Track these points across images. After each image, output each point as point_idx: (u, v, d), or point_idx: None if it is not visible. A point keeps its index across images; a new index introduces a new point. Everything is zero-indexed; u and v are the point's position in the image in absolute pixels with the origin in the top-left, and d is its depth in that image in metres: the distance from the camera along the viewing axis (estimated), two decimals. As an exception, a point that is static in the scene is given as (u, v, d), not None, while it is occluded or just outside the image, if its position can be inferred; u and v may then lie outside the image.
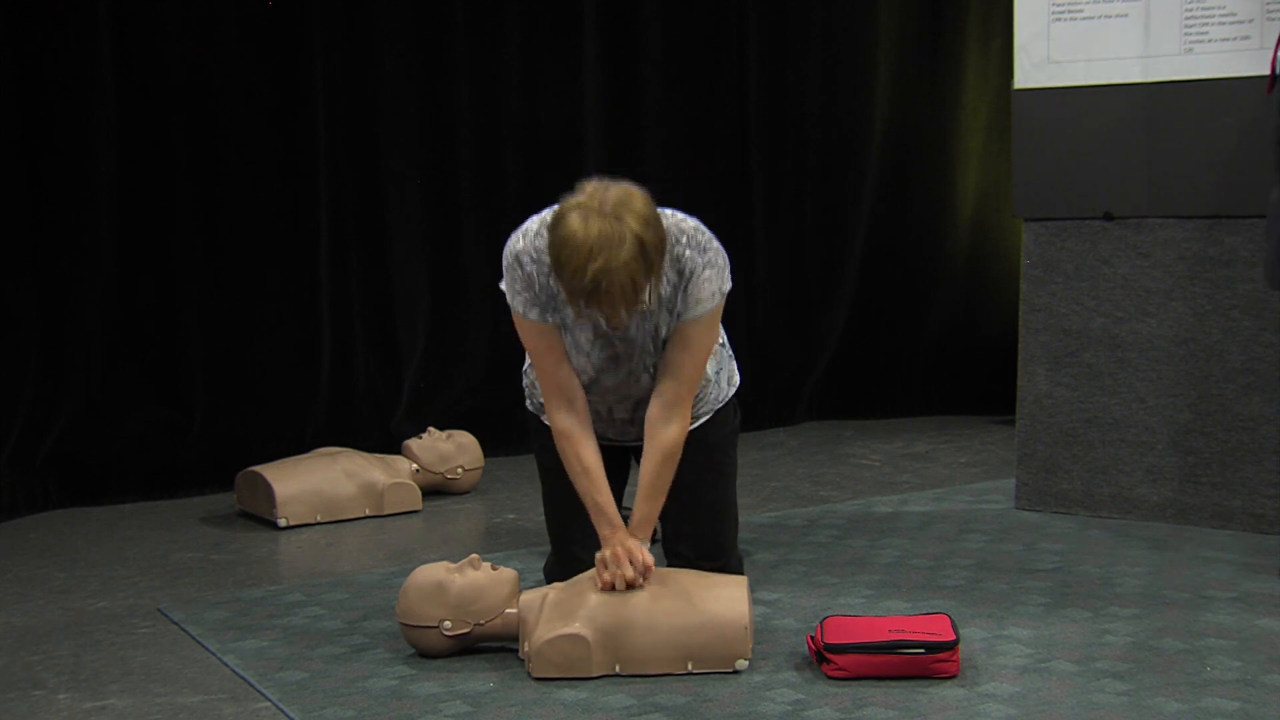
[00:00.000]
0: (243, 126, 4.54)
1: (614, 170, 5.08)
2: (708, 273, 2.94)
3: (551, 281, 2.92)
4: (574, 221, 2.71)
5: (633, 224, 2.70)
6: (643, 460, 3.01)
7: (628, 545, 2.88)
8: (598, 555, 2.89)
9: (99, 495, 4.41)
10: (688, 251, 2.93)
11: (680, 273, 2.93)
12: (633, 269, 2.70)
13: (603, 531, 2.94)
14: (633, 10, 5.15)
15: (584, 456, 2.99)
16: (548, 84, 5.03)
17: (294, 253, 4.67)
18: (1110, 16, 3.83)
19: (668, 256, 2.88)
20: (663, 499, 3.02)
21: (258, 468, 4.17)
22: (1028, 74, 3.94)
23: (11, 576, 3.65)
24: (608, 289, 2.69)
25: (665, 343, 3.00)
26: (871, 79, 5.52)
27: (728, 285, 2.99)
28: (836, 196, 5.57)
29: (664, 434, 2.98)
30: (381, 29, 4.74)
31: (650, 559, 2.87)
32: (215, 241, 4.56)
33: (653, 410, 3.00)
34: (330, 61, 4.66)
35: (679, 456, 3.01)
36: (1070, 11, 3.87)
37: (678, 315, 2.96)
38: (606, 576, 2.84)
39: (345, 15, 4.68)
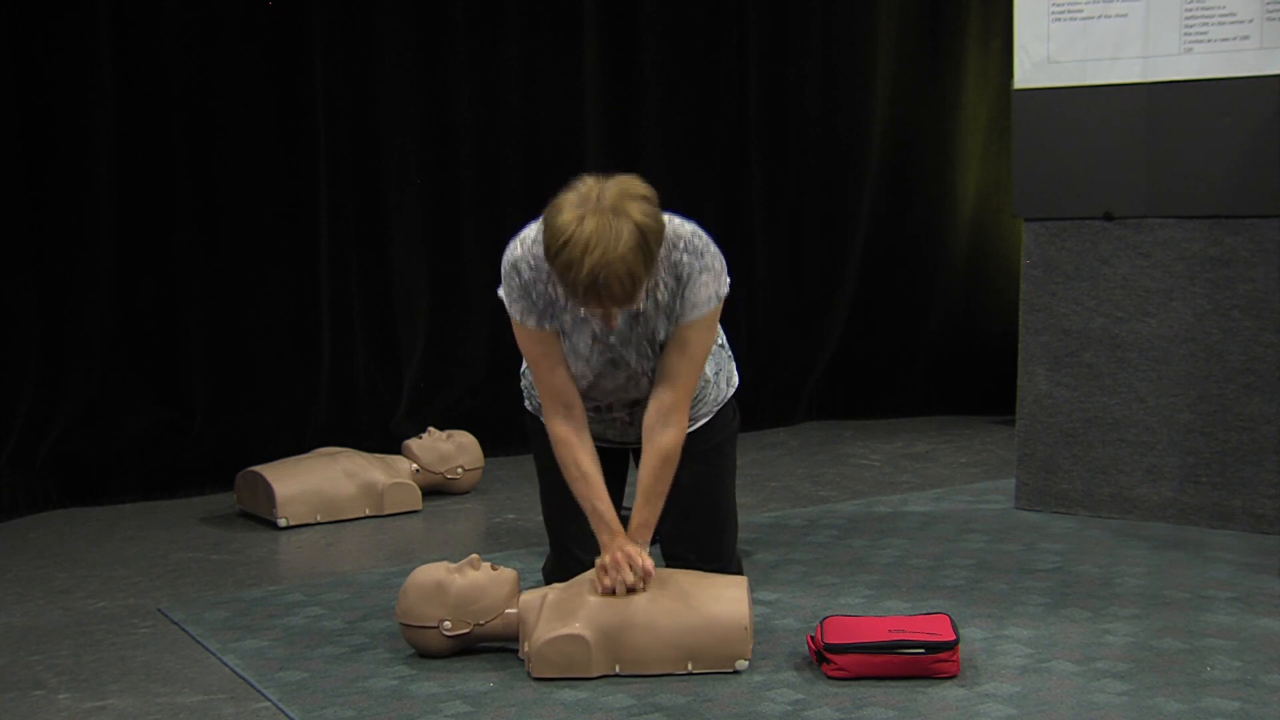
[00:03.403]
0: (243, 126, 4.54)
1: (614, 171, 5.14)
2: (704, 277, 2.94)
3: (549, 289, 2.92)
4: (569, 216, 2.70)
5: (633, 213, 2.70)
6: (641, 464, 3.00)
7: (627, 550, 2.86)
8: (597, 561, 2.88)
9: (99, 495, 4.41)
10: (685, 257, 2.93)
11: (678, 278, 2.93)
12: (630, 261, 2.68)
13: (602, 538, 2.93)
14: (633, 11, 5.14)
15: (582, 462, 2.98)
16: (548, 84, 5.03)
17: (294, 253, 4.67)
18: (1110, 16, 3.83)
19: (665, 263, 2.88)
20: (661, 503, 3.01)
21: (258, 468, 4.17)
22: (1028, 74, 3.94)
23: (11, 576, 3.65)
24: (605, 282, 2.68)
25: (663, 347, 3.00)
26: (871, 79, 5.51)
27: (724, 289, 2.98)
28: (836, 196, 5.57)
29: (661, 438, 2.97)
30: (381, 29, 4.74)
31: (650, 564, 2.86)
32: (215, 241, 4.56)
33: (650, 414, 2.99)
34: (330, 62, 4.66)
35: (677, 460, 3.00)
36: (1070, 11, 3.87)
37: (675, 319, 2.96)
38: (607, 582, 2.83)
39: (345, 16, 4.68)
